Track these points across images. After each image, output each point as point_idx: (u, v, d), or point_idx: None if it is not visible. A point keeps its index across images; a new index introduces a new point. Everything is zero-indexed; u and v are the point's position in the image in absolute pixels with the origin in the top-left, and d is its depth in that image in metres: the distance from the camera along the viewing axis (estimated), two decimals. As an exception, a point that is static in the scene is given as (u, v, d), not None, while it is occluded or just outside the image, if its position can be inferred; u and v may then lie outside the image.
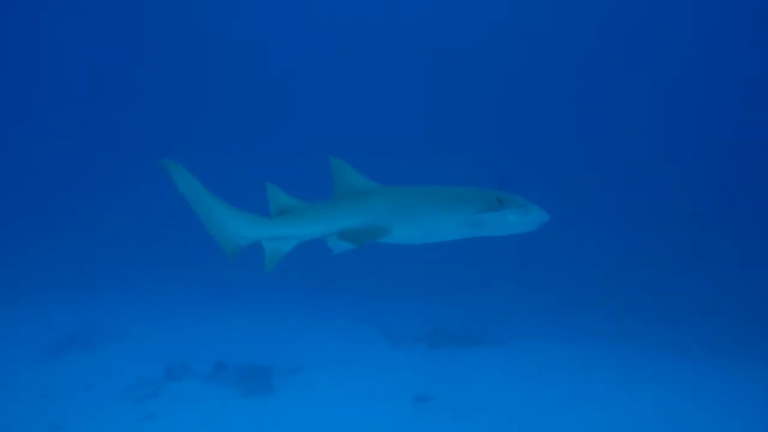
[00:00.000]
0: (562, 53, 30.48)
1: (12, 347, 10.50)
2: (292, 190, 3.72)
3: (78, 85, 32.43)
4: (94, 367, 9.71)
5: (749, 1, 26.66)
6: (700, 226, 18.57)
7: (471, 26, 31.23)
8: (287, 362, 9.71)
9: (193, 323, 11.89)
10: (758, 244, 16.61)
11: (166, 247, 17.55)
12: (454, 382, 9.08)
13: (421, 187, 3.80)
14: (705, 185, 22.55)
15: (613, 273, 14.93)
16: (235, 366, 9.35)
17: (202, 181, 3.60)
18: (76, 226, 19.99)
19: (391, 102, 31.07)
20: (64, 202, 23.19)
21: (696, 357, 10.09)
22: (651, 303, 13.11)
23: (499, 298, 13.41)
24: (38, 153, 28.08)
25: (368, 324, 11.83)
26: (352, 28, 32.36)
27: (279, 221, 3.63)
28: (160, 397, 8.58)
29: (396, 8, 32.05)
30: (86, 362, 9.95)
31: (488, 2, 31.22)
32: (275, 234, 3.64)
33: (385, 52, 32.31)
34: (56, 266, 15.99)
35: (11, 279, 14.64)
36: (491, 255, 14.70)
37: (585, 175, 22.97)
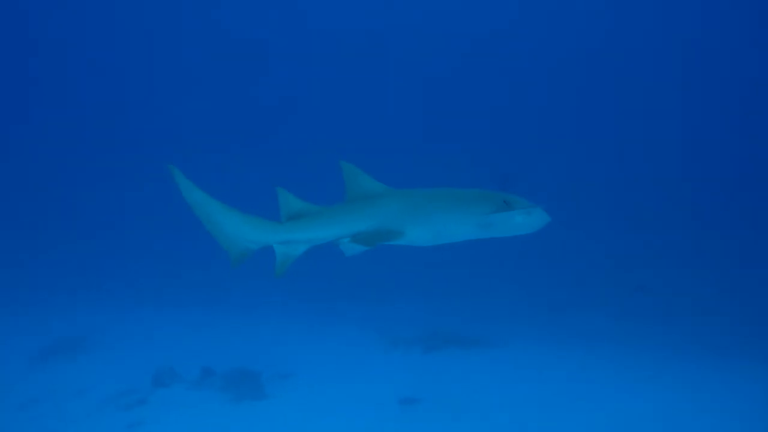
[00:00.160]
0: (561, 53, 30.44)
1: (-1, 354, 10.36)
2: (299, 192, 3.76)
3: (78, 85, 32.34)
4: (82, 374, 9.59)
5: (750, 2, 26.66)
6: (700, 226, 18.51)
7: (472, 27, 31.21)
8: (277, 367, 9.60)
9: (180, 329, 11.79)
10: (758, 243, 16.50)
11: (154, 253, 17.54)
12: (447, 385, 8.96)
13: (432, 190, 3.84)
14: (704, 185, 22.43)
15: (612, 273, 14.87)
16: (223, 371, 9.25)
17: (206, 186, 3.64)
18: (63, 232, 19.95)
19: (391, 102, 30.99)
20: (51, 207, 23.13)
21: (696, 357, 9.98)
22: (650, 303, 13.02)
23: (496, 299, 13.37)
24: (22, 157, 27.85)
25: (365, 327, 11.76)
26: (353, 29, 32.30)
27: (292, 225, 3.68)
28: (148, 404, 8.47)
29: (397, 9, 32.00)
30: (73, 370, 9.83)
31: (488, 3, 31.20)
32: (288, 238, 3.67)
33: (386, 52, 32.24)
34: (41, 273, 15.89)
35: (-3, 285, 14.52)
36: (489, 256, 14.62)
37: (583, 176, 22.95)
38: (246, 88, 32.35)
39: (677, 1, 28.63)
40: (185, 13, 32.44)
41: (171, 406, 8.42)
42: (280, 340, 11.03)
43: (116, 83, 32.30)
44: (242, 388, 8.76)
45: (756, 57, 27.59)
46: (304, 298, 13.37)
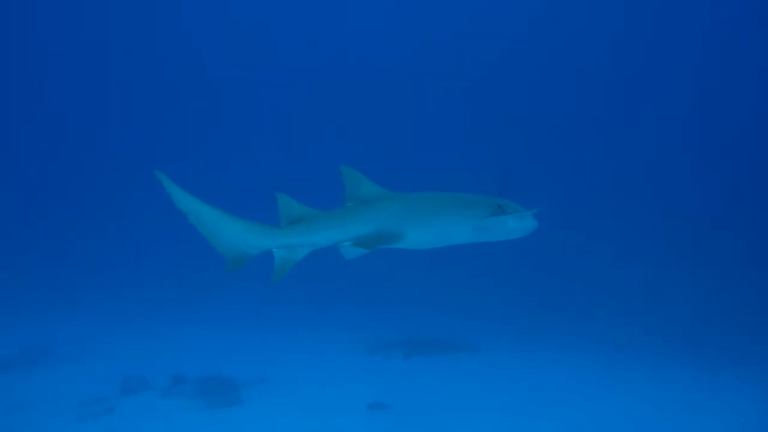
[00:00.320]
0: (561, 54, 30.48)
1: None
2: (298, 197, 3.74)
3: (64, 87, 31.52)
4: (48, 383, 9.31)
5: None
6: (696, 230, 18.52)
7: (472, 26, 31.14)
8: (251, 373, 9.47)
9: (151, 337, 11.63)
10: (758, 247, 16.58)
11: (122, 260, 17.35)
12: (421, 390, 8.91)
13: (431, 194, 3.92)
14: (700, 188, 22.50)
15: (602, 276, 15.03)
16: (195, 378, 9.04)
17: (205, 190, 3.67)
18: (31, 242, 19.59)
19: (391, 105, 30.77)
20: (17, 218, 22.52)
21: (694, 362, 10.05)
22: (634, 308, 13.12)
23: (481, 304, 13.43)
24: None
25: (349, 332, 11.74)
26: (353, 29, 32.06)
27: (292, 229, 3.68)
28: (117, 413, 8.21)
29: (397, 10, 31.81)
30: (40, 379, 9.55)
31: (488, 4, 31.14)
32: (288, 242, 3.68)
33: (385, 52, 32.03)
34: (7, 282, 15.47)
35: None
36: (473, 262, 14.61)
37: (581, 177, 22.90)
38: (244, 90, 31.95)
39: (678, 1, 28.81)
40: (184, 12, 31.87)
41: (141, 414, 8.20)
42: (256, 347, 10.94)
43: (104, 86, 31.58)
44: (214, 394, 8.58)
45: (757, 58, 27.83)
46: (286, 302, 13.27)
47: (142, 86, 31.75)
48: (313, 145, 27.59)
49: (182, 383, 8.92)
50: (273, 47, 33.10)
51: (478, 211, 3.76)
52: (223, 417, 8.00)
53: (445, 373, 9.68)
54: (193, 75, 32.21)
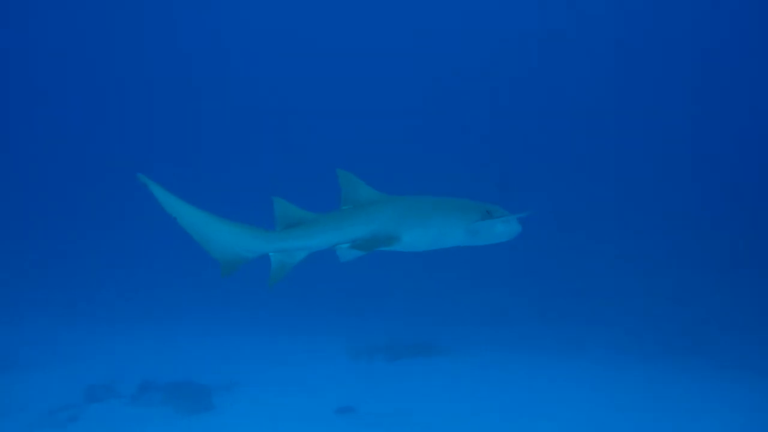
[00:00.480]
0: (561, 53, 30.42)
1: None
2: (294, 200, 3.76)
3: (64, 87, 31.45)
4: (9, 392, 8.92)
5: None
6: (696, 230, 18.47)
7: (472, 27, 31.09)
8: (223, 380, 9.19)
9: (116, 342, 11.32)
10: (757, 247, 16.54)
11: (88, 264, 16.98)
12: (396, 395, 8.79)
13: (426, 197, 3.99)
14: (700, 188, 22.44)
15: (597, 278, 14.94)
16: (164, 385, 8.74)
17: (200, 194, 3.68)
18: None
19: (387, 107, 30.71)
20: None
21: (692, 365, 9.92)
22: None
23: (467, 307, 13.35)
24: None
25: (333, 336, 11.57)
26: (351, 30, 32.00)
27: (290, 233, 3.70)
28: (81, 421, 7.89)
29: (396, 10, 31.76)
30: (1, 386, 9.17)
31: (488, 4, 31.11)
32: (286, 246, 3.69)
33: (385, 53, 31.99)
34: None
35: None
36: (455, 267, 14.54)
37: (574, 181, 22.86)
38: (243, 91, 31.91)
39: (678, 2, 28.75)
40: (184, 12, 31.84)
41: (106, 421, 7.90)
42: (231, 352, 10.71)
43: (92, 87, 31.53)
44: (184, 401, 8.30)
45: (758, 59, 27.78)
46: (263, 306, 13.02)
47: (141, 87, 31.70)
48: (309, 148, 27.51)
49: (150, 390, 8.62)
50: (272, 47, 33.04)
51: (470, 215, 3.84)
52: (193, 425, 7.76)
53: (427, 377, 9.52)
54: (193, 76, 32.09)
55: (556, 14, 30.31)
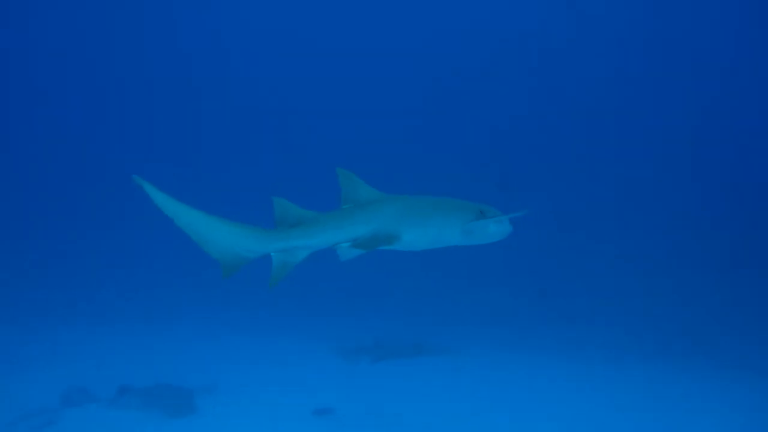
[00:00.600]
0: (561, 53, 30.37)
1: None
2: (294, 200, 3.77)
3: (64, 87, 31.40)
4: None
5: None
6: (696, 231, 18.44)
7: (473, 27, 31.07)
8: (204, 382, 9.04)
9: (93, 344, 11.10)
10: (757, 247, 16.52)
11: (88, 264, 16.91)
12: (377, 396, 8.68)
13: (426, 197, 4.03)
14: (700, 188, 22.41)
15: (597, 278, 14.94)
16: (143, 388, 8.53)
17: (199, 194, 3.63)
18: None
19: (389, 104, 30.67)
20: None
21: (691, 367, 9.90)
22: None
23: (454, 307, 13.32)
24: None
25: (319, 337, 11.48)
26: (350, 30, 31.97)
27: (291, 232, 3.72)
28: (57, 425, 7.71)
29: (395, 10, 31.73)
30: None
31: (488, 5, 31.07)
32: (288, 245, 3.71)
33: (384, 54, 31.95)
34: None
35: None
36: (455, 267, 14.52)
37: (574, 181, 22.84)
38: (241, 91, 31.88)
39: (678, 2, 28.71)
40: (184, 13, 31.81)
41: (84, 426, 7.73)
42: (214, 354, 10.58)
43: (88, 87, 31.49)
44: (163, 405, 8.13)
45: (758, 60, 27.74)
46: (250, 308, 13.02)
47: (141, 87, 31.67)
48: (309, 148, 27.49)
49: (129, 393, 8.36)
50: (272, 47, 33.02)
51: (466, 215, 3.89)
52: (174, 429, 7.62)
53: (411, 378, 9.43)
54: (192, 76, 32.06)
55: (556, 14, 30.28)
